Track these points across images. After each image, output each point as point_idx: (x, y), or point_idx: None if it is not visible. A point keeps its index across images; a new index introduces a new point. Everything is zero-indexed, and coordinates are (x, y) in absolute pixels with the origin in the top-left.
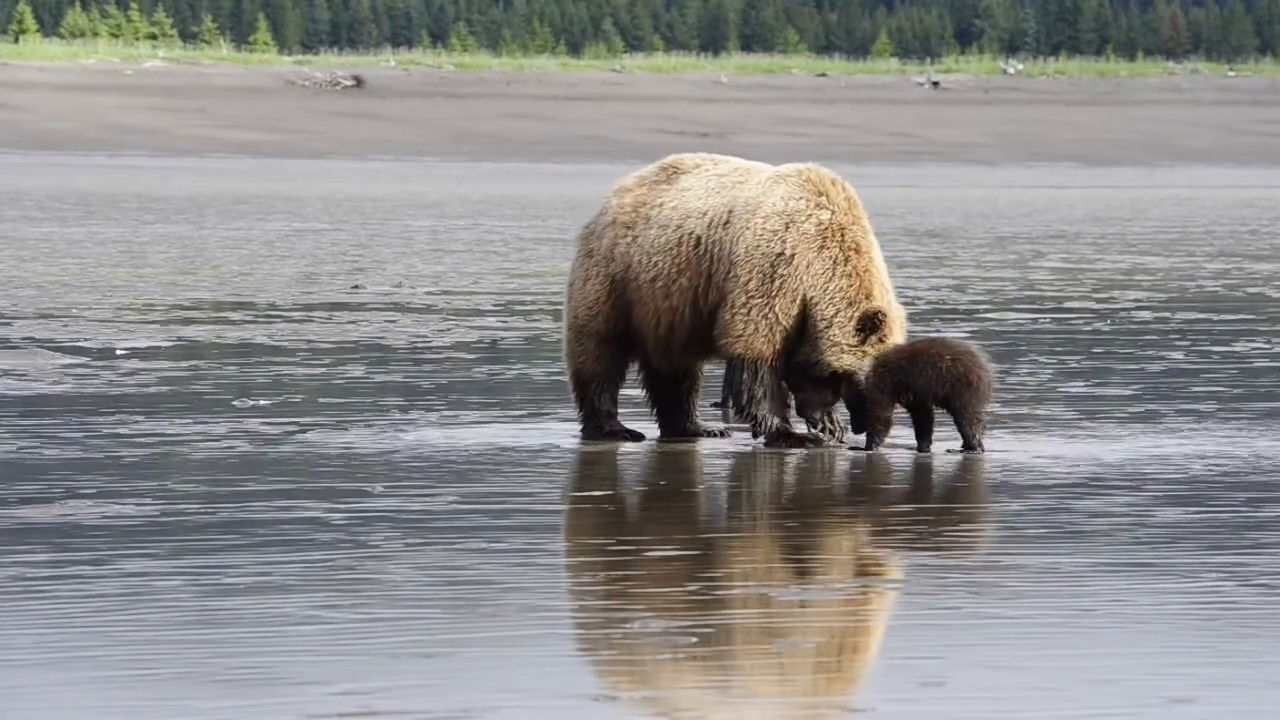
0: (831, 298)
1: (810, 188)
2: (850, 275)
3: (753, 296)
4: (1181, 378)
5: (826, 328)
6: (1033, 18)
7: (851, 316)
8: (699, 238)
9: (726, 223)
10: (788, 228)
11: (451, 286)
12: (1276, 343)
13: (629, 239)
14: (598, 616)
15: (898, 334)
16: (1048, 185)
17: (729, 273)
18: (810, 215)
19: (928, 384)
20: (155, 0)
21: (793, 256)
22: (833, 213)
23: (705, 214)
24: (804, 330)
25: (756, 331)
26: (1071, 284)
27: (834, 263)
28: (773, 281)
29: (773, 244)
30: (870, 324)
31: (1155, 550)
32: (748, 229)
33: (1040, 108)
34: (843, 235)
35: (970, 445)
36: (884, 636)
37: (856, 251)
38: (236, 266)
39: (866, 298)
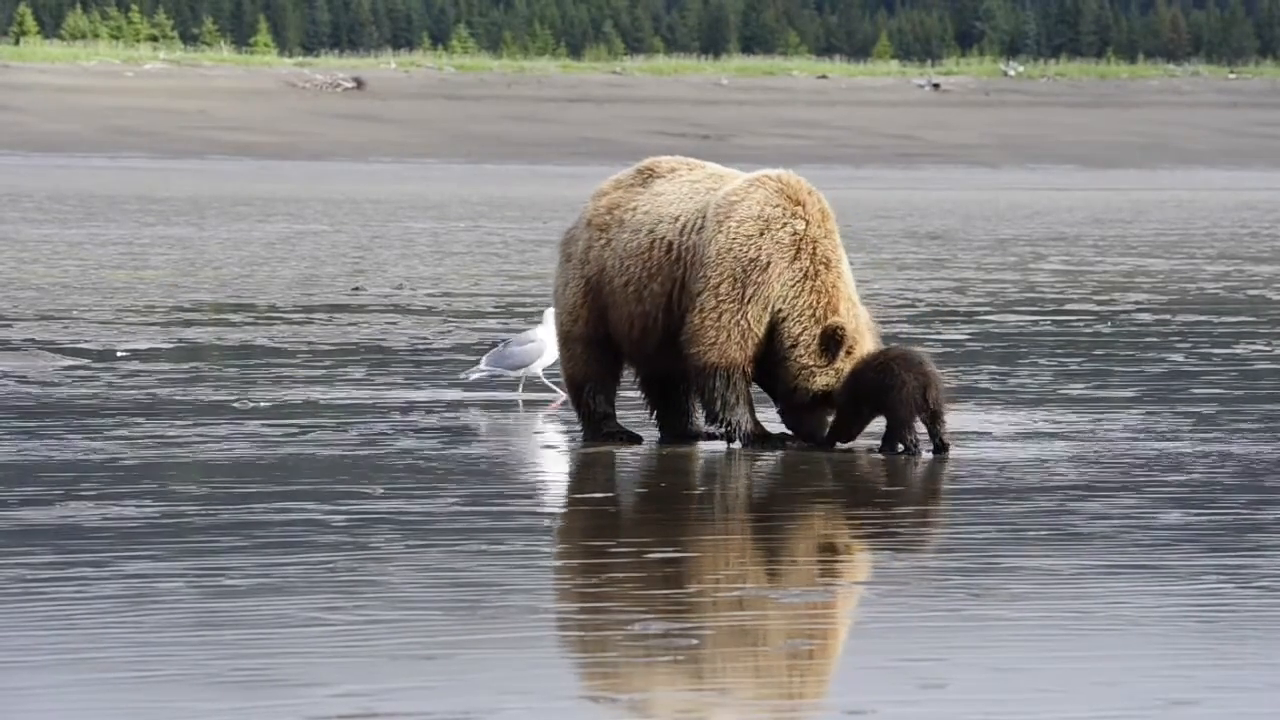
0: (800, 314)
1: (786, 195)
2: (819, 291)
3: (723, 301)
4: (1182, 380)
5: (792, 347)
6: (1033, 20)
7: (815, 335)
8: (670, 243)
9: (700, 227)
10: (762, 234)
11: (452, 288)
12: (1277, 345)
13: (603, 242)
14: (599, 618)
15: (867, 342)
16: (1048, 187)
17: (700, 275)
18: (786, 224)
19: (865, 392)
20: (156, 2)
21: (767, 264)
22: (807, 224)
23: (678, 219)
24: (771, 346)
25: (729, 339)
26: (1072, 286)
27: (804, 275)
28: (745, 288)
29: (747, 249)
30: (830, 341)
31: (1156, 552)
32: (720, 232)
33: (1041, 110)
34: (814, 248)
35: (895, 446)
36: (885, 638)
37: (826, 266)
38: (237, 268)
39: (833, 314)
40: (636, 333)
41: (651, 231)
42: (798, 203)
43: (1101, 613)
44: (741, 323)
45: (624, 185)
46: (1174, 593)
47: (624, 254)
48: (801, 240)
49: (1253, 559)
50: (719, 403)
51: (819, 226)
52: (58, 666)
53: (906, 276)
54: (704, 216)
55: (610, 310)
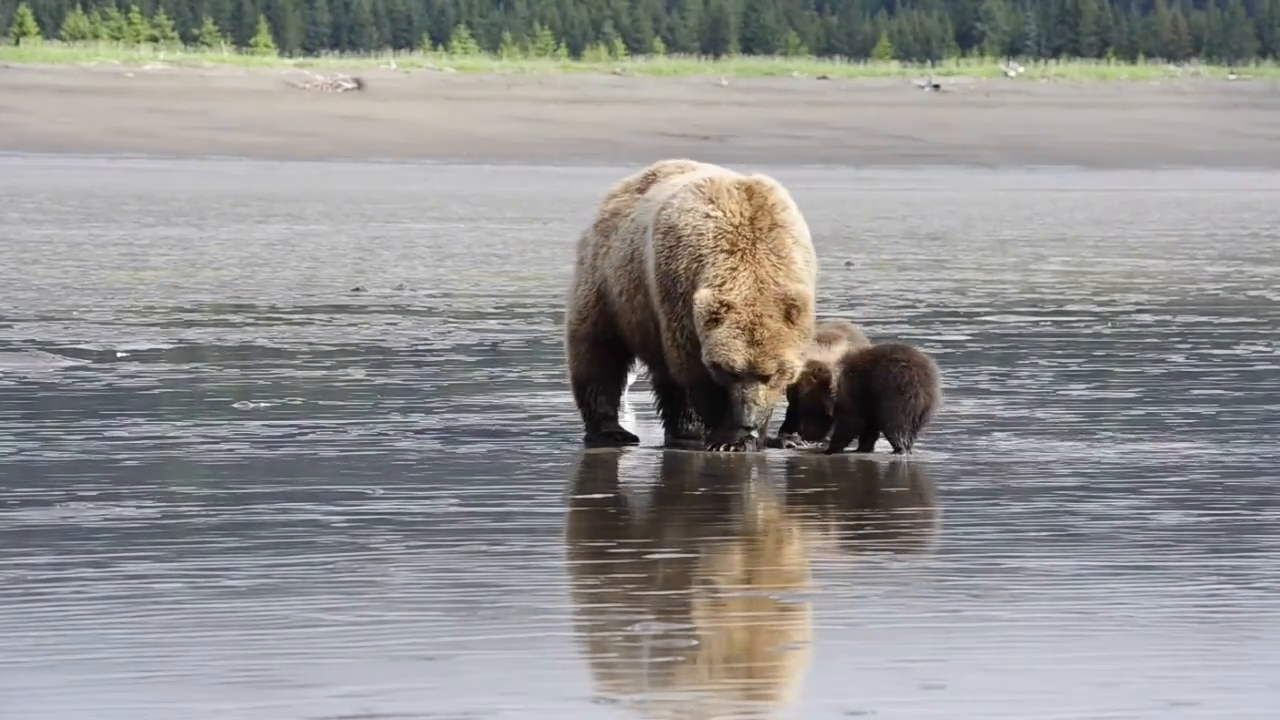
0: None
1: (701, 196)
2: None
3: (669, 319)
4: (1182, 380)
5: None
6: (1033, 20)
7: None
8: (644, 254)
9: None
10: (679, 243)
11: (452, 289)
12: (1277, 346)
13: (604, 250)
14: (599, 619)
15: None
16: (1048, 188)
17: (651, 291)
18: (694, 226)
19: (871, 387)
20: (156, 3)
21: (688, 274)
22: (722, 217)
23: (646, 229)
24: None
25: (690, 358)
26: (1072, 287)
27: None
28: (677, 304)
29: (669, 261)
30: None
31: (1156, 553)
32: (647, 245)
33: (1041, 110)
34: (732, 244)
35: (897, 448)
36: (885, 638)
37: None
38: (237, 269)
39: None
40: (639, 339)
41: (631, 242)
42: (711, 200)
43: (1101, 613)
44: (694, 339)
45: (630, 189)
46: (1174, 593)
47: (616, 263)
48: (719, 236)
49: (1253, 559)
50: (708, 416)
51: (737, 218)
52: (58, 666)
53: (907, 277)
54: (646, 229)
55: (617, 317)
